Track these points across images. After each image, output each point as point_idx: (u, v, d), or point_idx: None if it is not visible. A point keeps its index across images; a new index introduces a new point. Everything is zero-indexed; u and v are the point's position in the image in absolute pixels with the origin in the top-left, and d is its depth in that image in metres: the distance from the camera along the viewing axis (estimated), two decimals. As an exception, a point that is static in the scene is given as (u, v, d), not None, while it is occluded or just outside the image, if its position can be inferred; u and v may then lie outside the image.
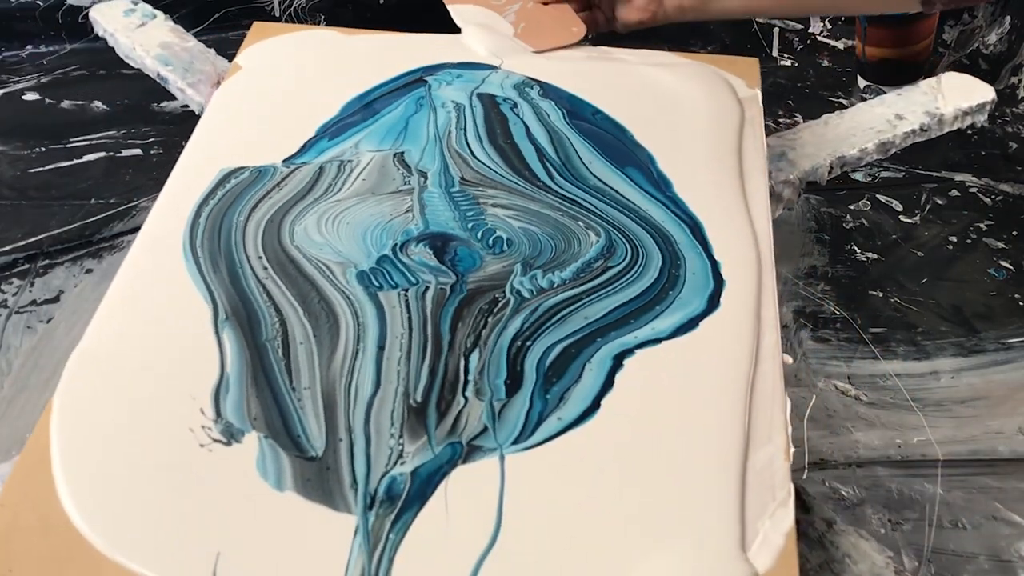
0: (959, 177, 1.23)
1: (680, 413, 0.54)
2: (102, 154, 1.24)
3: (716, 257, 0.63)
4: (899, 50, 1.32)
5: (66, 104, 1.33)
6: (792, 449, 0.53)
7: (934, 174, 1.23)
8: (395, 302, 0.59)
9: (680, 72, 0.80)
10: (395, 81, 0.78)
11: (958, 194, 1.20)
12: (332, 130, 0.73)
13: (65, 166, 1.22)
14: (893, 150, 0.84)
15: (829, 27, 1.46)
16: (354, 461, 0.51)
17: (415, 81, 0.78)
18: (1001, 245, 1.13)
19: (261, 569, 0.47)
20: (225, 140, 0.72)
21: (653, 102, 0.77)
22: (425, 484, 0.50)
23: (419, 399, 0.54)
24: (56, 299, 1.05)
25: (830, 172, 0.82)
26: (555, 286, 0.61)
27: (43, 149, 1.24)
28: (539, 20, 0.85)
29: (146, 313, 0.59)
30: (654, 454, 0.52)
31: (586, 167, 0.71)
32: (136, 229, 0.72)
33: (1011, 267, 1.10)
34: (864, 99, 1.16)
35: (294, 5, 1.42)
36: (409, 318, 0.58)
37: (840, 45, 1.45)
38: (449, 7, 0.86)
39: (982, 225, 1.16)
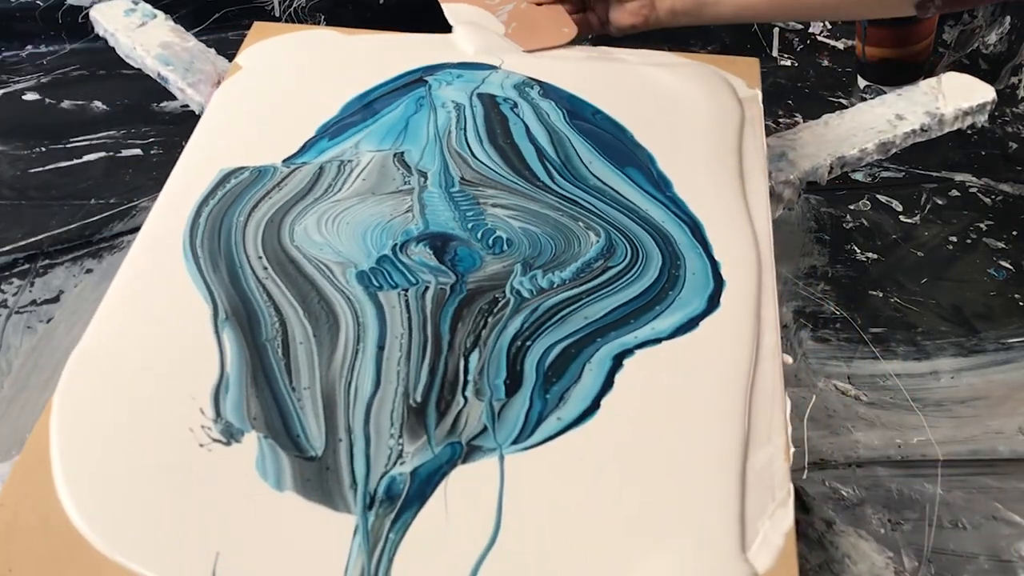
0: (959, 177, 1.23)
1: (680, 413, 0.54)
2: (102, 154, 1.24)
3: (716, 257, 0.63)
4: (899, 50, 1.32)
5: (66, 104, 1.33)
6: (792, 449, 0.53)
7: (934, 174, 1.23)
8: (395, 302, 0.59)
9: (680, 72, 0.80)
10: (395, 81, 0.78)
11: (958, 194, 1.20)
12: (332, 130, 0.73)
13: (65, 166, 1.22)
14: (893, 150, 0.84)
15: (829, 27, 1.46)
16: (354, 461, 0.51)
17: (415, 81, 0.78)
18: (1001, 245, 1.13)
19: (261, 569, 0.47)
20: (225, 140, 0.72)
21: (653, 102, 0.77)
22: (425, 484, 0.50)
23: (419, 399, 0.54)
24: (56, 299, 1.05)
25: (830, 172, 0.82)
26: (555, 286, 0.61)
27: (43, 149, 1.24)
28: (531, 20, 0.85)
29: (146, 313, 0.59)
30: (654, 454, 0.52)
31: (586, 167, 0.71)
32: (136, 229, 0.72)
33: (1011, 267, 1.10)
34: (864, 99, 1.16)
35: (294, 5, 1.42)
36: (409, 318, 0.58)
37: (840, 45, 1.45)
38: (443, 5, 0.86)
39: (982, 225, 1.16)
